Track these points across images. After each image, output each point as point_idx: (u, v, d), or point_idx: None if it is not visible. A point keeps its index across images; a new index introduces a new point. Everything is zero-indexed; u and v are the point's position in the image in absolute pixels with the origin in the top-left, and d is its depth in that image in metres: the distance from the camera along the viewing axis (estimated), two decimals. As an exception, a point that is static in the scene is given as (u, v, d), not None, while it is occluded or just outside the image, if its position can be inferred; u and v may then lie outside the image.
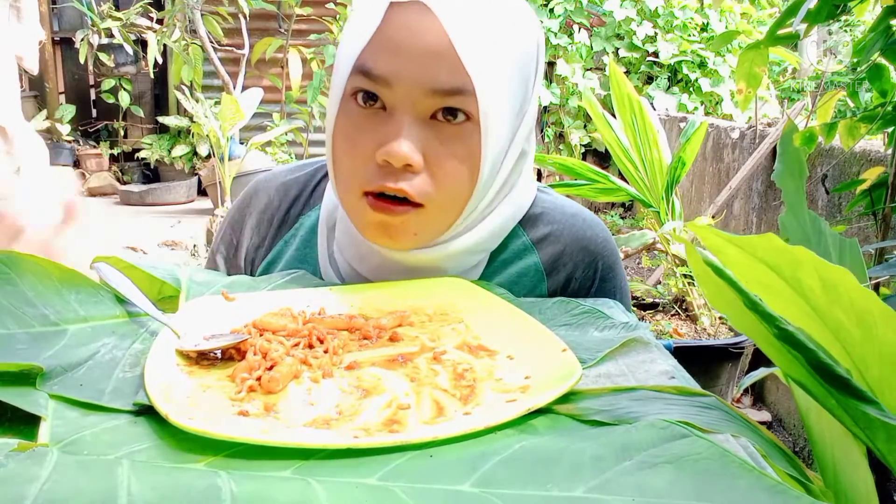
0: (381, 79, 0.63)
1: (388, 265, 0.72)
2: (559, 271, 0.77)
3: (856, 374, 0.41)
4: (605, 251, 0.79)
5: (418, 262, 0.71)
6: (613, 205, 5.15)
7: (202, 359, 0.52)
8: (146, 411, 0.43)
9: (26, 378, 0.43)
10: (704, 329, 2.35)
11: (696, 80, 4.98)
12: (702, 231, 0.39)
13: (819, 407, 0.42)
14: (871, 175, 1.40)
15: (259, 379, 0.47)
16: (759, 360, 2.28)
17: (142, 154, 5.69)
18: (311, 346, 0.53)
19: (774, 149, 2.75)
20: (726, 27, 4.93)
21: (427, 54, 0.63)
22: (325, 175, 0.83)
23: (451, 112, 0.64)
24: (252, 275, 0.81)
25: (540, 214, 0.78)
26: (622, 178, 2.62)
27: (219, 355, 0.52)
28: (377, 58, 0.63)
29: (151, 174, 5.90)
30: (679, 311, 2.53)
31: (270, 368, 0.48)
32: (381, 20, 0.63)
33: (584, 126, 5.14)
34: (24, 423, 0.41)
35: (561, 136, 5.30)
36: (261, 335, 0.54)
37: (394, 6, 0.63)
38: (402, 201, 0.65)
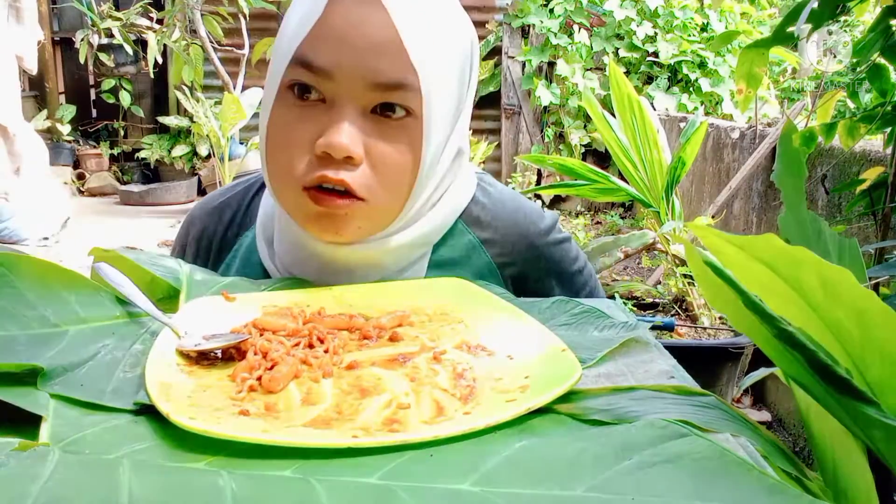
0: (323, 70, 0.62)
1: (328, 267, 0.71)
2: (510, 268, 0.78)
3: (856, 375, 0.41)
4: (549, 241, 0.79)
5: (359, 259, 0.70)
6: (613, 205, 5.15)
7: (202, 359, 0.52)
8: (147, 411, 0.43)
9: (27, 378, 0.44)
10: (705, 329, 2.35)
11: (696, 80, 4.99)
12: (701, 231, 0.39)
13: (819, 406, 0.42)
14: (870, 175, 1.41)
15: (259, 379, 0.48)
16: (759, 360, 2.28)
17: (142, 154, 5.69)
18: (311, 346, 0.53)
19: (774, 149, 2.75)
20: (726, 27, 4.93)
21: (371, 47, 0.62)
22: (258, 191, 0.83)
23: (390, 107, 0.64)
24: None
25: (482, 213, 0.78)
26: (622, 178, 2.62)
27: (219, 355, 0.52)
28: (318, 49, 0.62)
29: (151, 174, 5.91)
30: (679, 311, 2.54)
31: (271, 368, 0.48)
32: (322, 10, 0.62)
33: (584, 126, 5.14)
34: (24, 423, 0.41)
35: (561, 136, 5.30)
36: (261, 335, 0.54)
37: None
38: (343, 194, 0.64)
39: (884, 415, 0.36)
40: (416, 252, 0.73)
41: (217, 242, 0.82)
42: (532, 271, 0.78)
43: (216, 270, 0.80)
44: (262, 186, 0.83)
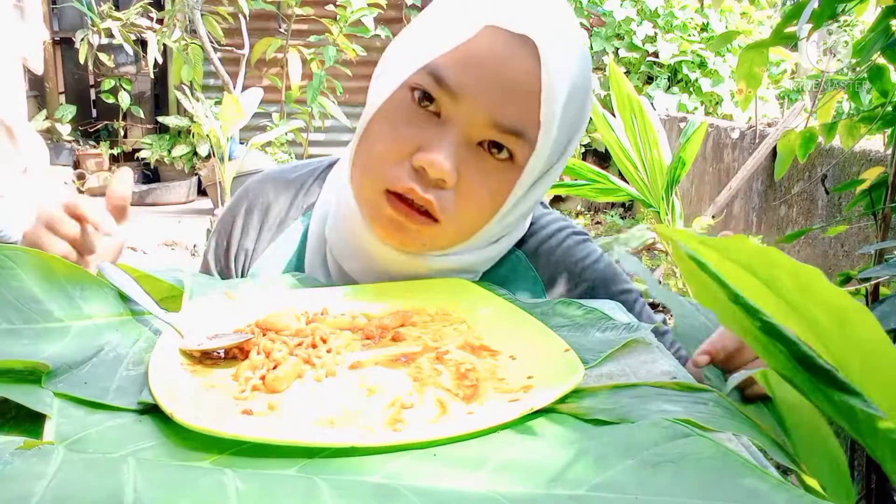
0: (451, 91, 0.62)
1: (375, 266, 0.71)
2: (557, 285, 0.78)
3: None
4: (593, 267, 0.79)
5: (408, 268, 0.70)
6: (613, 205, 5.15)
7: (206, 358, 0.52)
8: (151, 410, 0.43)
9: (31, 376, 0.44)
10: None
11: (696, 80, 4.99)
12: (676, 234, 0.39)
13: (799, 401, 0.43)
14: (870, 175, 1.41)
15: (263, 378, 0.48)
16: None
17: (142, 154, 5.69)
18: (314, 346, 0.54)
19: (774, 149, 2.76)
20: (726, 27, 4.93)
21: (507, 86, 0.62)
22: (317, 179, 0.83)
23: (497, 146, 0.64)
24: (243, 276, 0.81)
25: (529, 229, 0.78)
26: (622, 178, 2.62)
27: (222, 355, 0.53)
28: (455, 69, 0.62)
29: (151, 174, 5.90)
30: (679, 311, 2.54)
31: (274, 368, 0.49)
32: (475, 33, 0.62)
33: (584, 126, 5.13)
34: (29, 422, 0.41)
35: (561, 137, 5.29)
36: (264, 335, 0.55)
37: (492, 29, 0.62)
38: (422, 211, 0.64)
39: (867, 405, 0.36)
40: (467, 276, 0.73)
41: (271, 220, 0.81)
42: (578, 289, 0.78)
43: (265, 247, 0.80)
44: (323, 174, 0.83)
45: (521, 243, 0.78)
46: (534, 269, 0.77)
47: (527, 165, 0.64)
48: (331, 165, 0.84)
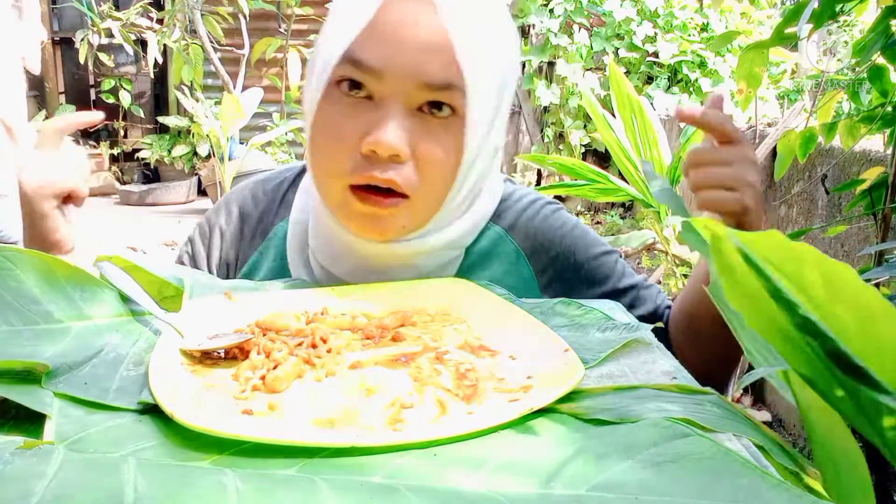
0: (373, 69, 0.63)
1: (363, 265, 0.72)
2: (539, 255, 0.78)
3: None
4: (571, 234, 0.80)
5: (395, 258, 0.71)
6: (613, 205, 5.15)
7: (206, 358, 0.52)
8: (151, 410, 0.43)
9: (31, 376, 0.44)
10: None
11: (696, 80, 4.98)
12: (707, 225, 0.39)
13: (822, 404, 0.42)
14: (870, 175, 1.41)
15: (263, 378, 0.48)
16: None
17: (142, 154, 5.69)
18: (314, 346, 0.54)
19: (774, 149, 2.75)
20: (726, 27, 4.93)
21: (421, 47, 0.63)
22: (294, 182, 0.83)
23: (436, 105, 0.65)
24: None
25: (504, 203, 0.79)
26: (622, 178, 2.62)
27: (222, 355, 0.53)
28: (369, 48, 0.63)
29: (151, 174, 5.90)
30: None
31: (274, 368, 0.49)
32: (375, 10, 0.63)
33: (584, 126, 5.14)
34: (29, 422, 0.41)
35: (561, 136, 5.30)
36: (264, 335, 0.55)
37: None
38: (389, 193, 0.65)
39: (898, 403, 0.36)
40: (451, 254, 0.74)
41: (252, 227, 0.82)
42: (562, 257, 0.79)
43: (249, 255, 0.81)
44: (298, 179, 0.84)
45: (497, 219, 0.78)
46: (513, 241, 0.78)
47: (468, 112, 0.65)
48: (304, 169, 0.84)
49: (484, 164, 0.71)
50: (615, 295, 0.78)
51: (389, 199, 0.65)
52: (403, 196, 0.66)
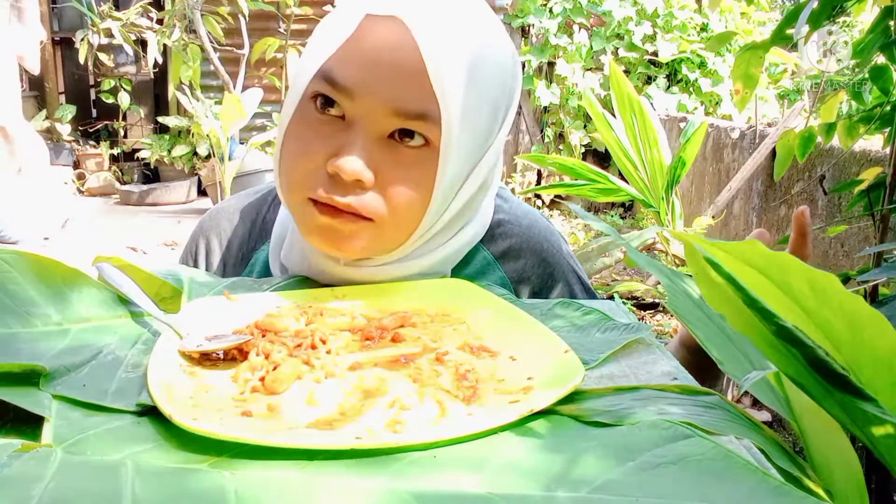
0: (345, 89, 0.61)
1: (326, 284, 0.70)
2: (524, 284, 0.77)
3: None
4: (561, 260, 0.79)
5: (360, 280, 0.69)
6: (613, 205, 5.15)
7: (205, 359, 0.52)
8: (149, 412, 0.43)
9: (29, 378, 0.44)
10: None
11: (696, 80, 4.99)
12: (690, 237, 0.39)
13: (814, 407, 0.42)
14: (869, 175, 1.40)
15: (262, 380, 0.48)
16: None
17: (142, 154, 5.69)
18: (313, 347, 0.53)
19: (774, 149, 2.76)
20: (726, 27, 4.93)
21: (396, 73, 0.60)
22: (273, 201, 0.82)
23: (408, 134, 0.62)
24: None
25: (498, 228, 0.77)
26: (622, 178, 2.63)
27: (221, 356, 0.52)
28: (344, 67, 0.61)
29: (151, 174, 5.91)
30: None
31: (273, 369, 0.48)
32: (354, 29, 0.61)
33: (584, 126, 5.14)
34: (27, 424, 0.41)
35: (561, 136, 5.30)
36: (263, 336, 0.54)
37: (370, 18, 0.61)
38: (350, 213, 0.63)
39: (882, 411, 0.36)
40: (434, 278, 0.72)
41: (232, 258, 0.81)
42: (545, 289, 0.78)
43: (232, 276, 0.80)
44: (276, 198, 0.82)
45: (489, 243, 0.77)
46: (501, 269, 0.77)
47: (443, 144, 0.62)
48: None
49: (470, 192, 0.68)
50: None
51: (350, 216, 0.63)
52: (365, 219, 0.63)
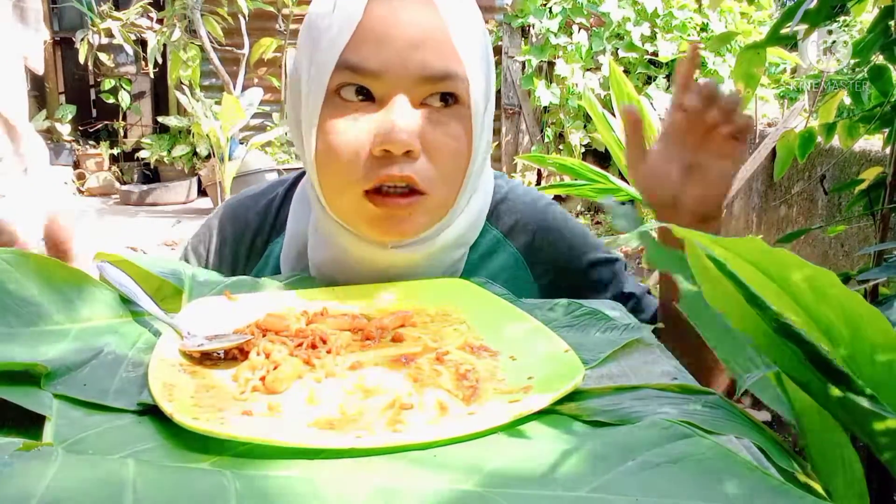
0: (371, 72, 0.63)
1: (371, 272, 0.70)
2: (538, 257, 0.78)
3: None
4: (569, 225, 0.80)
5: (403, 262, 0.70)
6: (613, 205, 5.14)
7: (205, 359, 0.52)
8: (150, 411, 0.43)
9: (30, 377, 0.44)
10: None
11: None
12: (690, 233, 0.39)
13: (814, 406, 0.42)
14: (869, 175, 1.40)
15: (262, 379, 0.48)
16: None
17: (142, 154, 5.69)
18: (314, 347, 0.53)
19: (774, 149, 2.75)
20: (726, 27, 4.92)
21: (414, 41, 0.63)
22: (286, 196, 0.82)
23: (440, 96, 0.65)
24: None
25: (502, 204, 0.79)
26: (622, 178, 2.62)
27: (222, 356, 0.52)
28: (363, 52, 0.63)
29: (151, 174, 5.91)
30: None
31: (274, 369, 0.49)
32: (362, 13, 0.63)
33: (584, 126, 5.14)
34: (28, 423, 0.41)
35: (561, 136, 5.30)
36: (264, 336, 0.54)
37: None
38: (405, 192, 0.65)
39: (882, 408, 0.36)
40: (457, 253, 0.74)
41: (245, 249, 0.81)
42: (557, 254, 0.79)
43: (246, 271, 0.80)
44: (290, 192, 0.82)
45: (495, 221, 0.78)
46: (512, 245, 0.78)
47: (471, 98, 0.66)
48: (297, 179, 0.83)
49: (482, 157, 0.71)
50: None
51: (407, 198, 0.65)
52: (420, 193, 0.65)
